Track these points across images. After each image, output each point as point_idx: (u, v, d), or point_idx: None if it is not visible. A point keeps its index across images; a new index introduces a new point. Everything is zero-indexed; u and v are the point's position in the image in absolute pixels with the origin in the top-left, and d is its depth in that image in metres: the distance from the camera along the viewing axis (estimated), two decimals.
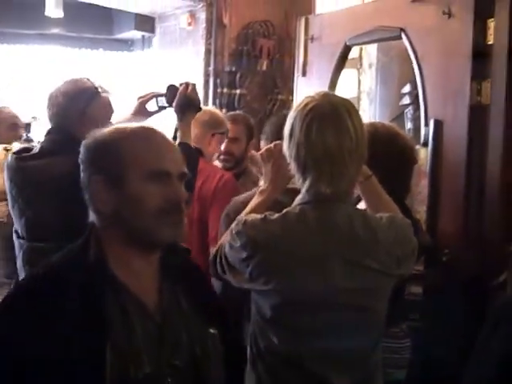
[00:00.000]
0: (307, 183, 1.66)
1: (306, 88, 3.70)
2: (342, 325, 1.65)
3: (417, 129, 3.40)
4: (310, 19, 3.73)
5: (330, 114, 1.63)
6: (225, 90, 5.52)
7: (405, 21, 3.01)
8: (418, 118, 3.13)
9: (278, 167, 1.85)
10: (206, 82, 5.55)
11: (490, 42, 2.66)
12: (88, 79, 2.41)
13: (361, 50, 3.89)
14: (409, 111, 3.90)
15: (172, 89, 2.59)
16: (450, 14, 2.77)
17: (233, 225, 1.72)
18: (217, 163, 3.25)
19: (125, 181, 1.33)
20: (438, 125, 2.81)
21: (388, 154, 2.23)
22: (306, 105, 1.65)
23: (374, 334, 1.71)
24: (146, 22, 6.14)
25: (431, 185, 2.83)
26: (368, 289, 1.65)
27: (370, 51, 3.86)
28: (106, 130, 1.40)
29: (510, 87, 2.59)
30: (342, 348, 1.65)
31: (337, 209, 1.66)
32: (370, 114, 4.15)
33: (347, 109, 1.66)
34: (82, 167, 1.38)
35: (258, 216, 1.68)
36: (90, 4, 5.74)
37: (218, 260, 1.75)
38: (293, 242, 1.63)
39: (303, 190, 1.69)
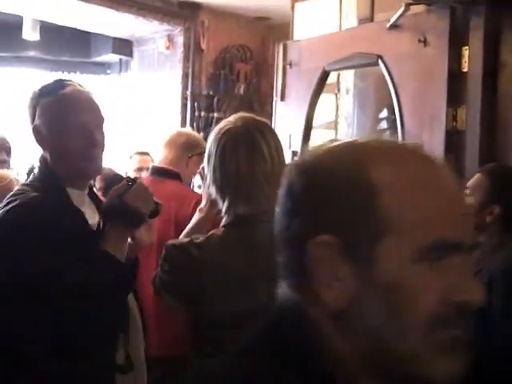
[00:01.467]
0: (225, 205, 1.69)
1: (284, 112, 3.76)
2: None
3: None
4: (288, 45, 3.79)
5: (243, 136, 1.65)
6: (202, 114, 5.57)
7: (382, 48, 3.08)
8: None
9: None
10: (184, 106, 5.59)
11: (464, 70, 2.75)
12: None
13: (338, 75, 3.96)
14: (386, 136, 3.96)
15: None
16: (425, 42, 2.86)
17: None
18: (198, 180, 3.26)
19: (376, 255, 0.71)
20: None
21: None
22: (221, 129, 1.68)
23: None
24: (123, 46, 6.17)
25: None
26: None
27: (348, 76, 3.93)
28: (343, 145, 0.80)
29: (485, 113, 2.67)
30: None
31: (258, 229, 1.66)
32: (347, 138, 4.20)
33: (261, 131, 1.67)
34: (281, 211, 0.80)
35: (185, 239, 1.72)
36: (68, 27, 5.76)
37: (156, 280, 1.78)
38: (217, 264, 1.66)
39: (223, 213, 1.71)
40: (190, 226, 2.09)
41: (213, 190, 1.72)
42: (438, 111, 2.78)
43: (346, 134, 3.85)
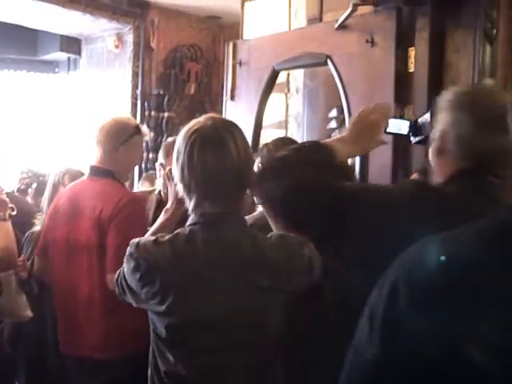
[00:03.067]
0: (192, 204, 1.70)
1: (234, 111, 3.75)
2: (234, 342, 1.69)
3: None
4: (238, 44, 3.78)
5: (212, 135, 1.67)
6: (152, 113, 5.52)
7: (330, 48, 3.10)
8: None
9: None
10: (134, 105, 5.53)
11: (411, 70, 2.78)
12: None
13: (288, 75, 3.97)
14: (336, 135, 3.99)
15: None
16: (372, 43, 2.89)
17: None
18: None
19: None
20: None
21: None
22: (190, 128, 1.70)
23: (269, 349, 1.74)
24: (71, 44, 6.07)
25: None
26: (259, 306, 1.69)
27: (297, 76, 3.95)
28: None
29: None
30: (236, 365, 1.69)
31: (224, 229, 1.69)
32: (297, 137, 4.22)
33: (230, 131, 1.70)
34: None
35: (150, 238, 1.71)
36: (14, 24, 5.63)
37: (118, 281, 1.78)
38: (182, 263, 1.66)
39: (190, 212, 1.73)
40: (154, 226, 2.07)
41: (180, 189, 1.73)
42: None
43: (296, 133, 3.87)
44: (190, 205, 1.72)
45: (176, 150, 1.71)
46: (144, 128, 2.76)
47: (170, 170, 1.92)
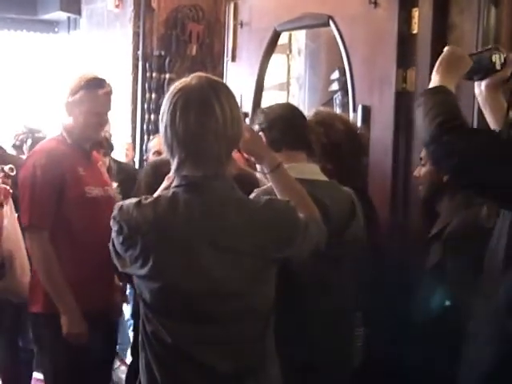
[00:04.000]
0: (174, 165, 1.65)
1: (235, 73, 3.72)
2: (218, 312, 1.64)
3: (345, 114, 3.47)
4: (239, 4, 3.73)
5: (195, 95, 1.62)
6: (154, 75, 5.46)
7: (332, 8, 3.06)
8: (347, 103, 3.20)
9: None
10: (135, 66, 5.48)
11: (414, 31, 2.75)
12: None
13: (290, 35, 3.93)
14: (337, 97, 3.97)
15: None
16: (376, 3, 2.84)
17: None
18: None
19: None
20: (366, 111, 2.88)
21: (346, 143, 2.37)
22: (175, 87, 1.65)
23: (258, 320, 1.68)
24: (71, 3, 5.99)
25: None
26: (243, 275, 1.62)
27: (299, 37, 3.90)
28: None
29: None
30: (222, 334, 1.65)
31: (208, 192, 1.64)
32: (299, 99, 4.20)
33: (215, 90, 1.64)
34: None
35: (133, 200, 1.67)
36: None
37: (110, 246, 1.73)
38: (163, 227, 1.61)
39: (172, 173, 1.69)
40: (157, 193, 2.01)
41: (165, 150, 1.68)
42: (388, 73, 2.79)
43: (298, 95, 3.85)
44: (172, 166, 1.67)
45: (161, 110, 1.67)
46: (100, 83, 2.64)
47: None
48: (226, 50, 3.77)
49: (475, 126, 2.40)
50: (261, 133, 2.09)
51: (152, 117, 5.40)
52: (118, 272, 2.07)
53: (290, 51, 3.95)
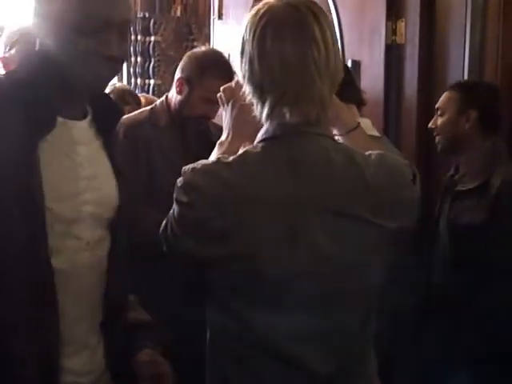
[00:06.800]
0: (266, 109, 1.28)
1: (223, 32, 3.67)
2: (319, 297, 1.29)
3: None
4: None
5: (289, 17, 1.25)
6: (139, 37, 5.39)
7: None
8: None
9: (240, 111, 1.47)
10: None
11: None
12: None
13: None
14: None
15: None
16: None
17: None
18: None
19: None
20: (356, 65, 2.86)
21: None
22: (259, 10, 1.28)
23: (363, 306, 1.35)
24: None
25: None
26: (355, 246, 1.28)
27: None
28: None
29: (423, 26, 2.66)
30: (325, 326, 1.30)
31: (310, 143, 1.29)
32: None
33: (313, 11, 1.27)
34: None
35: (210, 160, 1.33)
36: None
37: (168, 231, 1.32)
38: (255, 190, 1.25)
39: (263, 121, 1.32)
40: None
41: (248, 91, 1.31)
42: (378, 25, 2.76)
43: None
44: (262, 112, 1.30)
45: (241, 42, 1.30)
46: None
47: (226, 89, 1.52)
48: (212, 8, 3.72)
49: None
50: None
51: (138, 81, 5.34)
52: None
53: None
